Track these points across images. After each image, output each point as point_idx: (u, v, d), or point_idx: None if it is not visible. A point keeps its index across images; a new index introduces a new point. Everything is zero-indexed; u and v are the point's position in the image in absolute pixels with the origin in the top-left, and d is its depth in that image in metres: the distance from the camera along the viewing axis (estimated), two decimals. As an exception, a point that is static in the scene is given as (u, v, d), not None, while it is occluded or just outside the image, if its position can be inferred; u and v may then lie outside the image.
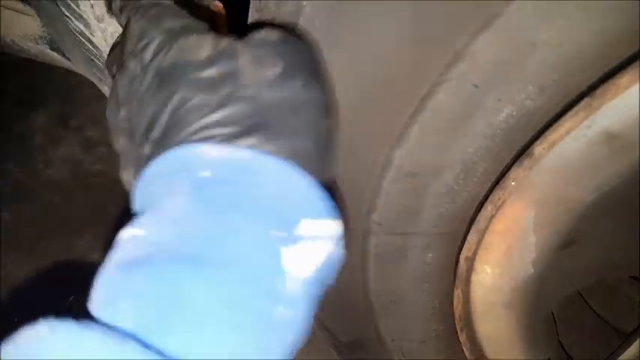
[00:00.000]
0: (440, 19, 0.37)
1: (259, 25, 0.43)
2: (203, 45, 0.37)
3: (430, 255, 0.55)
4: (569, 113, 0.40)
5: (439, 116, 0.42)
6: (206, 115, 0.35)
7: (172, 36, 0.38)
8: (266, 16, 0.49)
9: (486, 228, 0.50)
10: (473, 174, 0.47)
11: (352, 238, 0.55)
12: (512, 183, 0.45)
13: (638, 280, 0.77)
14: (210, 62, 0.36)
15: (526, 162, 0.44)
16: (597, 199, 0.45)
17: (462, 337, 0.59)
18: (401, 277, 0.57)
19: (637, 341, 0.68)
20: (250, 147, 0.35)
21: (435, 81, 0.40)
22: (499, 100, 0.41)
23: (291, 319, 0.34)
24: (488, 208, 0.48)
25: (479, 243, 0.51)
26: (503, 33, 0.36)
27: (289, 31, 0.43)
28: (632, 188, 0.44)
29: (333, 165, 0.41)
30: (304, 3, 0.43)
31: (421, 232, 0.53)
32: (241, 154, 0.35)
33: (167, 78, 0.36)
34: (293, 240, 0.34)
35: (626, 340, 0.73)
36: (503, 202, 0.47)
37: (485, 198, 0.48)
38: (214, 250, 0.33)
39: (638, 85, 0.37)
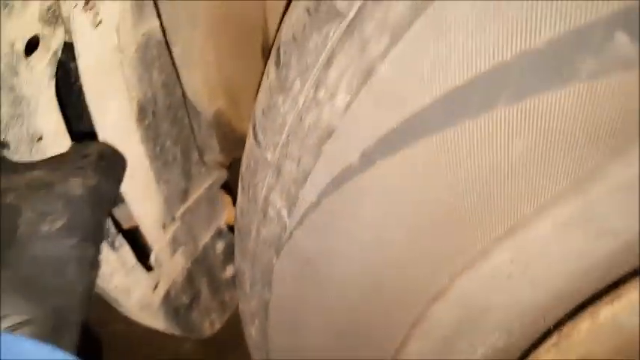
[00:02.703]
0: (396, 288, 0.43)
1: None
2: None
3: None
4: (542, 349, 0.44)
5: (420, 357, 0.46)
6: None
7: None
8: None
9: None
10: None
11: None
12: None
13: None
14: None
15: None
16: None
17: None
18: None
19: None
20: None
21: (405, 336, 0.45)
22: (471, 344, 0.45)
23: None
24: None
25: None
26: (455, 301, 0.41)
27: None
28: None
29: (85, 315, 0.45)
30: (275, 260, 0.49)
31: None
32: None
33: None
34: None
35: None
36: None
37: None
38: None
39: (598, 327, 0.41)
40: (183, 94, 0.71)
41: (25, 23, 0.44)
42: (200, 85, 0.79)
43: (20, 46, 0.44)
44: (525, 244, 0.36)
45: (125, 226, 0.70)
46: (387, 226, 0.39)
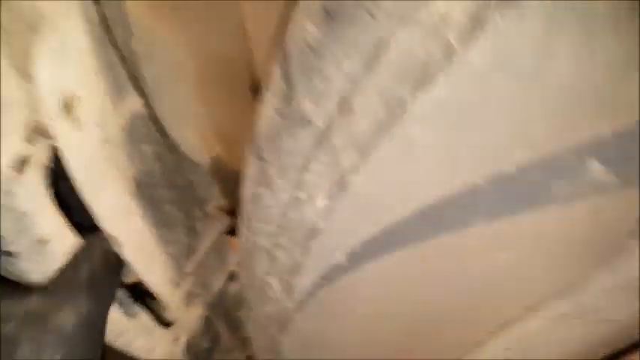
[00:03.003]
0: None
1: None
2: None
3: None
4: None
5: None
6: None
7: None
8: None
9: None
10: None
11: None
12: None
13: None
14: None
15: None
16: None
17: None
18: None
19: None
20: None
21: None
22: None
23: None
24: None
25: None
26: None
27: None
28: None
29: None
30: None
31: None
32: None
33: None
34: None
35: None
36: None
37: None
38: None
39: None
40: (178, 154, 0.72)
41: (10, 147, 0.46)
42: (194, 137, 0.79)
43: (10, 169, 0.46)
44: (519, 335, 0.37)
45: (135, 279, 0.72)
46: (379, 322, 0.40)
